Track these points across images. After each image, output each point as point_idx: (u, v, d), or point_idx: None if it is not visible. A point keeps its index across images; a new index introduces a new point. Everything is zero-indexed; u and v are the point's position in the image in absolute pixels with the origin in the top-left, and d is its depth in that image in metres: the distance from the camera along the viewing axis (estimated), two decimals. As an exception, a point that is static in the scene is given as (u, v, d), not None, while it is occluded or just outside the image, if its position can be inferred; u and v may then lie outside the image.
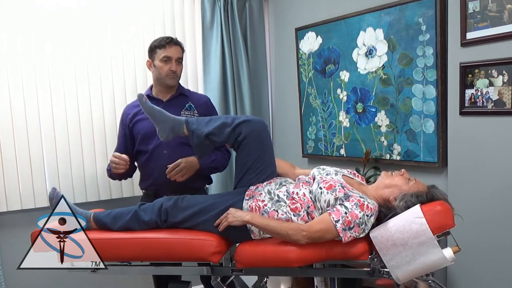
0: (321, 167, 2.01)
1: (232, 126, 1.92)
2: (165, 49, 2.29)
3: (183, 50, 2.38)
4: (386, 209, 1.79)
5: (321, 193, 1.80)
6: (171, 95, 2.37)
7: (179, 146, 2.30)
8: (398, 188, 1.80)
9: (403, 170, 1.88)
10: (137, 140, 2.38)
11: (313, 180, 1.91)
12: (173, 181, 2.24)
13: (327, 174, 1.92)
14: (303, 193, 1.86)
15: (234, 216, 1.81)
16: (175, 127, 1.96)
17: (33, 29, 2.60)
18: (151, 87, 2.42)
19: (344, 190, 1.78)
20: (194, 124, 1.96)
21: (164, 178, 2.27)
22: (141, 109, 2.19)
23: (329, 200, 1.77)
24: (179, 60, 2.34)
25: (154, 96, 2.36)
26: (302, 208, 1.82)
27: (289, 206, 1.83)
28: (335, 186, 1.80)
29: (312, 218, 1.81)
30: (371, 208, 1.72)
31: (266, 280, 1.96)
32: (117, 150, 2.41)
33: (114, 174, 2.33)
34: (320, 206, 1.79)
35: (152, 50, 2.33)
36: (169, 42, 2.31)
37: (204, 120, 2.00)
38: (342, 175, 1.94)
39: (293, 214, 1.81)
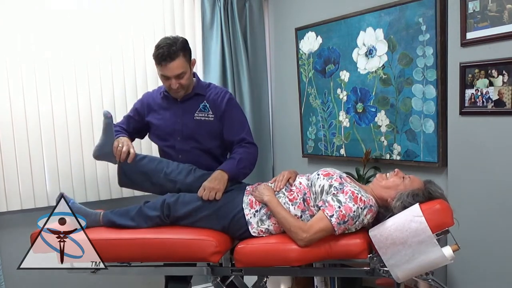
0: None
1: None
2: (161, 67, 2.11)
3: (186, 57, 2.14)
4: (384, 210, 1.81)
5: (318, 178, 1.87)
6: (185, 94, 2.26)
7: (195, 154, 2.25)
8: (394, 188, 1.81)
9: (396, 170, 1.89)
10: (151, 129, 2.34)
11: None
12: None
13: (331, 169, 1.96)
14: (299, 182, 1.95)
15: (259, 191, 1.95)
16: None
17: (33, 29, 2.59)
18: None
19: (341, 180, 1.81)
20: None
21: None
22: (160, 103, 2.31)
23: (323, 186, 1.82)
24: (181, 76, 2.13)
25: (169, 95, 2.27)
26: (298, 196, 1.89)
27: (288, 197, 1.90)
28: (332, 175, 1.86)
29: (308, 205, 1.86)
30: (364, 200, 1.75)
31: (266, 280, 1.97)
32: (118, 124, 2.35)
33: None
34: (314, 190, 1.85)
35: (154, 60, 2.14)
36: (164, 59, 2.07)
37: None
38: (346, 175, 1.96)
39: (291, 204, 1.88)
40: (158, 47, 2.11)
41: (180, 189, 2.11)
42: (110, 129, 2.11)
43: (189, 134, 2.25)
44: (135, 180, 2.19)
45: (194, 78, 2.31)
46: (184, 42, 2.16)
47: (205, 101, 2.28)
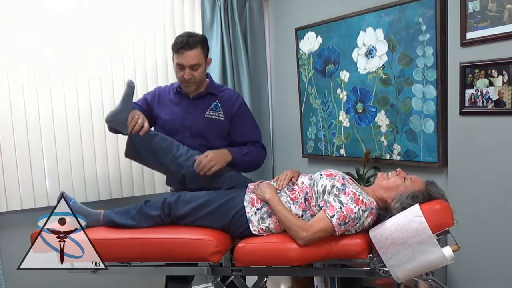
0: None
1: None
2: (178, 55, 2.14)
3: (203, 50, 2.19)
4: (384, 211, 1.81)
5: (320, 178, 1.88)
6: (198, 92, 2.28)
7: (202, 151, 2.19)
8: (394, 189, 1.81)
9: (398, 169, 1.88)
10: (157, 124, 2.33)
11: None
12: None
13: (334, 170, 1.96)
14: (302, 181, 1.95)
15: (261, 189, 1.94)
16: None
17: (33, 29, 2.59)
18: None
19: (344, 181, 1.82)
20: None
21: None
22: (171, 98, 2.31)
23: (325, 186, 1.83)
24: (195, 67, 2.16)
25: (181, 91, 2.29)
26: (300, 195, 1.89)
27: (289, 196, 1.90)
28: (335, 176, 1.87)
29: (310, 204, 1.86)
30: (366, 203, 1.75)
31: (266, 280, 1.97)
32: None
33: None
34: (317, 190, 1.86)
35: (172, 49, 2.18)
36: (182, 47, 2.12)
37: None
38: (349, 177, 1.96)
39: (292, 203, 1.88)
40: (178, 37, 2.18)
41: (184, 175, 2.12)
42: (129, 98, 2.11)
43: (199, 132, 2.26)
44: (143, 155, 2.17)
45: (207, 79, 2.34)
46: (204, 38, 2.24)
47: (217, 101, 2.30)
